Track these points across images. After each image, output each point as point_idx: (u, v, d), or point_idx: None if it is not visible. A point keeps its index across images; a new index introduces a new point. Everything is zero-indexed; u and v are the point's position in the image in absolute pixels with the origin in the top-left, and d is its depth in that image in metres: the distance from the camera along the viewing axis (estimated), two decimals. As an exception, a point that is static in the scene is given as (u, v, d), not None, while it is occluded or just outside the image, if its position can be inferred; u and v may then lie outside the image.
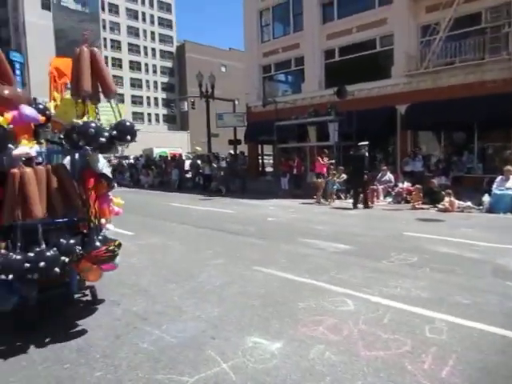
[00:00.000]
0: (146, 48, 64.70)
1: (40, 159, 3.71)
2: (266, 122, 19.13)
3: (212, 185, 18.43)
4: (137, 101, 64.17)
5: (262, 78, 22.90)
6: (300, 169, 16.38)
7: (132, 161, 28.72)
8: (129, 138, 3.81)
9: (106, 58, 57.79)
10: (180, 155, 24.72)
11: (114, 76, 60.08)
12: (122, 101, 61.08)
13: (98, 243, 3.69)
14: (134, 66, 63.48)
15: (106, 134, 3.65)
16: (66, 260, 3.48)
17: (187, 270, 5.43)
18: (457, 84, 14.82)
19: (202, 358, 3.10)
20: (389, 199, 13.08)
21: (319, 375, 2.83)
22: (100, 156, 3.92)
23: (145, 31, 64.47)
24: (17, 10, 51.04)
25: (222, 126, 25.80)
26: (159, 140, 47.12)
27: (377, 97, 17.15)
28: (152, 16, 65.27)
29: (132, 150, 39.16)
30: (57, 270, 3.40)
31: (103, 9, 57.93)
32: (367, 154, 12.43)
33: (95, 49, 3.94)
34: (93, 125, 3.59)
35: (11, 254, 3.29)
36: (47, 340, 3.44)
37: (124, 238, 7.47)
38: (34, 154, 3.55)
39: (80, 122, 3.63)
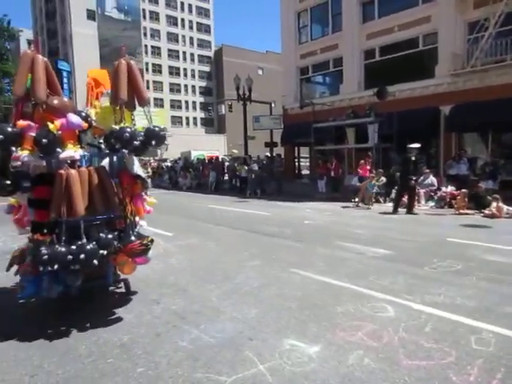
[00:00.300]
0: (184, 53, 66.24)
1: (83, 162, 3.99)
2: (303, 124, 19.05)
3: (248, 187, 18.55)
4: (175, 105, 65.77)
5: (299, 80, 22.82)
6: (338, 171, 16.14)
7: (170, 163, 29.42)
8: (154, 142, 4.08)
9: (147, 64, 59.79)
10: (217, 157, 25.03)
11: (154, 82, 62.09)
12: (162, 105, 62.95)
13: (133, 238, 4.03)
14: (173, 71, 65.13)
15: (140, 138, 3.97)
16: (105, 253, 3.78)
17: (224, 271, 5.48)
18: (507, 83, 14.05)
19: (239, 358, 3.12)
20: (431, 203, 12.60)
21: (358, 382, 2.77)
22: (135, 158, 4.24)
23: (184, 37, 66.03)
24: (64, 22, 53.85)
25: (258, 129, 25.93)
26: (197, 143, 48.18)
27: (419, 97, 16.61)
28: (191, 22, 66.76)
29: (171, 153, 40.22)
30: (95, 261, 3.69)
31: (144, 17, 59.91)
32: (414, 157, 11.85)
33: (132, 61, 4.29)
34: (128, 130, 3.92)
35: (57, 246, 3.60)
36: (92, 336, 3.58)
37: (164, 238, 7.74)
38: (78, 157, 3.83)
39: (117, 127, 3.97)
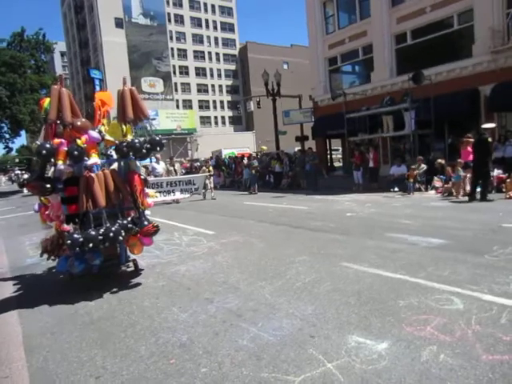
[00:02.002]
0: (210, 53, 66.59)
1: (95, 167, 5.09)
2: (334, 116, 18.67)
3: (282, 182, 18.38)
4: (203, 105, 66.31)
5: (327, 71, 22.36)
6: (377, 161, 15.67)
7: (201, 163, 29.60)
8: (158, 148, 5.27)
9: (174, 66, 60.55)
10: (250, 155, 24.97)
11: (182, 83, 62.84)
12: (190, 106, 63.64)
13: (146, 222, 5.15)
14: (200, 71, 65.63)
15: (147, 145, 5.12)
16: (123, 233, 4.83)
17: (273, 267, 5.37)
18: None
19: (304, 357, 3.00)
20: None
21: (437, 380, 2.58)
22: (137, 162, 5.38)
23: (208, 37, 66.36)
24: (94, 32, 55.34)
25: (288, 124, 25.70)
26: (227, 141, 48.37)
27: (456, 79, 15.85)
28: (214, 22, 66.98)
29: (202, 153, 40.63)
30: (120, 238, 4.82)
31: (169, 20, 60.57)
32: (490, 139, 10.74)
33: (133, 88, 5.42)
34: (137, 140, 5.08)
35: (89, 230, 4.63)
36: (150, 336, 3.57)
37: (206, 237, 7.74)
38: (99, 163, 5.07)
39: (128, 138, 5.11)
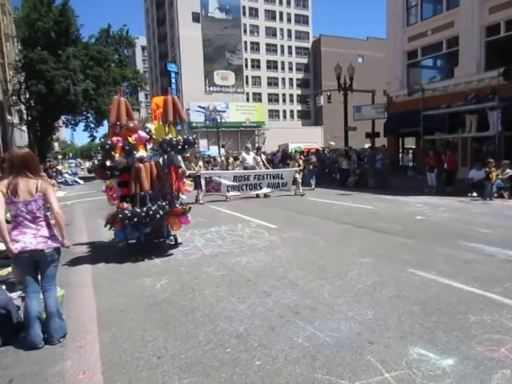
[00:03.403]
0: (282, 47, 66.46)
1: (147, 159, 6.28)
2: (410, 113, 17.67)
3: (349, 180, 17.87)
4: (273, 98, 66.54)
5: (405, 65, 21.18)
6: (453, 163, 14.60)
7: (268, 156, 29.76)
8: (187, 147, 6.43)
9: (246, 60, 61.39)
10: (317, 150, 24.61)
11: (253, 77, 63.60)
12: (260, 99, 64.22)
13: (177, 204, 6.45)
14: (271, 64, 65.84)
15: (181, 143, 6.24)
16: (161, 213, 6.04)
17: (334, 267, 5.26)
18: None
19: (360, 363, 2.91)
20: None
21: (509, 407, 2.36)
22: (179, 156, 6.47)
23: (281, 30, 66.20)
24: (173, 26, 57.84)
25: (359, 119, 24.87)
26: (294, 135, 48.18)
27: (555, 75, 14.15)
28: (289, 14, 66.60)
29: (269, 146, 40.90)
30: (158, 216, 6.02)
31: (244, 13, 61.39)
32: None
33: (175, 96, 6.58)
34: (174, 139, 6.21)
35: (135, 208, 5.95)
36: (209, 323, 3.68)
37: (268, 230, 7.79)
38: (145, 156, 6.23)
39: (167, 137, 6.23)
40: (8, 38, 32.29)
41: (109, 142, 6.02)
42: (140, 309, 4.10)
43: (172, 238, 6.94)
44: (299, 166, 15.31)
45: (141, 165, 6.00)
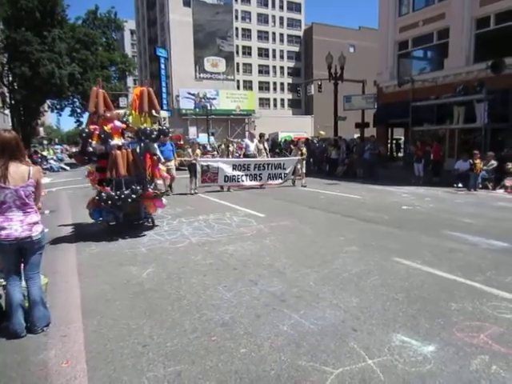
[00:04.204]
0: (274, 34, 65.83)
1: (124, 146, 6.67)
2: (399, 104, 17.73)
3: (338, 169, 17.95)
4: (263, 86, 66.11)
5: (396, 56, 21.17)
6: (439, 154, 14.75)
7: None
8: (162, 136, 7.00)
9: (237, 46, 60.66)
10: (307, 139, 24.60)
11: (244, 64, 62.99)
12: (251, 87, 63.74)
13: (150, 189, 6.81)
14: (262, 52, 65.26)
15: (155, 133, 6.64)
16: (134, 196, 6.48)
17: (320, 255, 5.31)
18: None
19: (344, 350, 2.95)
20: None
21: (487, 392, 2.43)
22: (154, 144, 6.96)
23: (274, 17, 65.47)
24: (163, 11, 56.66)
25: (349, 109, 24.89)
26: (284, 124, 48.02)
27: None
28: (281, 1, 65.82)
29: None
30: (130, 200, 6.45)
31: (236, -1, 60.48)
32: None
33: (150, 88, 6.88)
34: (148, 128, 6.59)
35: (110, 192, 6.35)
36: (195, 312, 3.69)
37: (256, 219, 7.80)
38: (121, 144, 6.59)
39: (142, 127, 6.61)
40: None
41: (86, 130, 6.56)
42: (126, 297, 4.08)
43: (150, 220, 7.38)
44: (302, 154, 13.92)
45: (118, 151, 6.44)
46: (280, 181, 13.29)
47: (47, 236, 3.49)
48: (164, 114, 28.00)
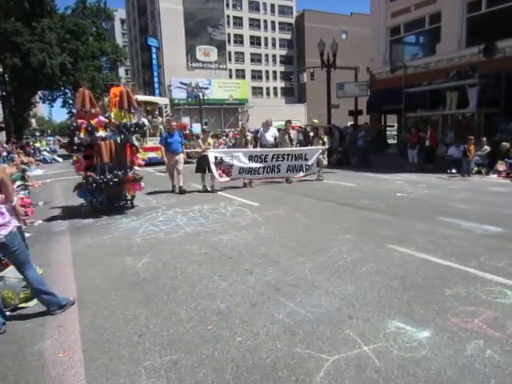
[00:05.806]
0: (265, 22, 65.07)
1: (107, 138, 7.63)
2: (392, 90, 17.71)
3: (332, 157, 17.90)
4: (256, 75, 65.57)
5: (388, 42, 21.05)
6: (434, 140, 14.74)
7: (252, 134, 29.50)
8: (137, 129, 7.92)
9: (229, 35, 59.95)
10: (300, 127, 24.52)
11: (236, 52, 62.37)
12: (243, 76, 63.20)
13: (129, 173, 7.76)
14: (254, 40, 64.57)
15: (133, 126, 7.69)
16: (116, 180, 7.46)
17: (315, 244, 5.31)
18: None
19: (340, 337, 2.96)
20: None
21: (481, 376, 2.45)
22: (133, 136, 8.21)
23: (265, 4, 64.64)
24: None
25: (342, 97, 24.76)
26: (277, 113, 47.72)
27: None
28: (272, -13, 64.99)
29: (252, 124, 40.51)
30: (111, 183, 7.43)
31: (227, -14, 59.56)
32: None
33: (129, 89, 8.00)
34: (128, 123, 7.67)
35: (96, 177, 7.34)
36: (191, 301, 3.69)
37: (251, 208, 7.78)
38: (104, 135, 7.55)
39: (123, 122, 7.66)
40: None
41: (74, 123, 7.57)
42: (121, 287, 4.07)
43: (129, 202, 8.41)
44: (324, 144, 12.23)
45: (102, 142, 7.48)
46: (302, 173, 11.69)
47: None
48: (165, 100, 27.46)
